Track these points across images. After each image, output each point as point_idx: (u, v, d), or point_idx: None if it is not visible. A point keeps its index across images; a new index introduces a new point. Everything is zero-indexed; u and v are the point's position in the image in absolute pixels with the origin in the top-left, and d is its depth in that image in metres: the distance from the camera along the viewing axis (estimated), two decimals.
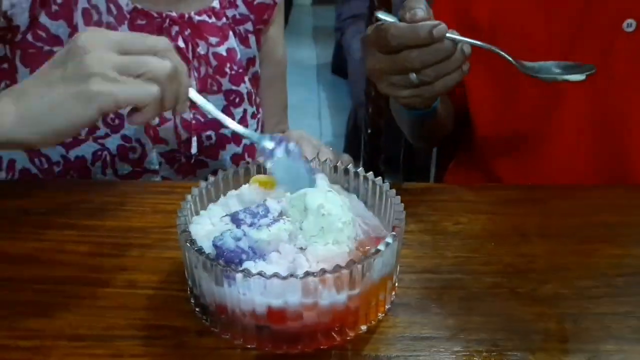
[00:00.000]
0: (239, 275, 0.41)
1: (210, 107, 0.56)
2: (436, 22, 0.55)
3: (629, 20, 0.71)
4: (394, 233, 0.46)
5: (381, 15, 0.57)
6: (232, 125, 0.56)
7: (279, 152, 0.52)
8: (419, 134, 0.87)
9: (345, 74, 2.82)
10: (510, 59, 0.60)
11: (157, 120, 0.73)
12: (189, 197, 0.50)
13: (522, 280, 0.53)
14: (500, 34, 0.76)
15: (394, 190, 0.51)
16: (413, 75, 0.57)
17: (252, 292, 0.42)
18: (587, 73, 0.59)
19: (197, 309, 0.47)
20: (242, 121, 0.81)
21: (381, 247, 0.44)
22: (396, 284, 0.50)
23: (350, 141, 2.20)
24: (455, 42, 0.56)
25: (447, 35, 0.55)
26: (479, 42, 0.58)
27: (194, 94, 0.55)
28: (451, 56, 0.56)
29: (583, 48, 0.72)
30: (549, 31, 0.74)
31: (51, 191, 0.63)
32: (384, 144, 1.13)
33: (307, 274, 0.41)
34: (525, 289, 0.52)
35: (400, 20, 0.56)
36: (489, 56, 0.77)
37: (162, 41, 0.52)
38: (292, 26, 4.29)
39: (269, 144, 0.53)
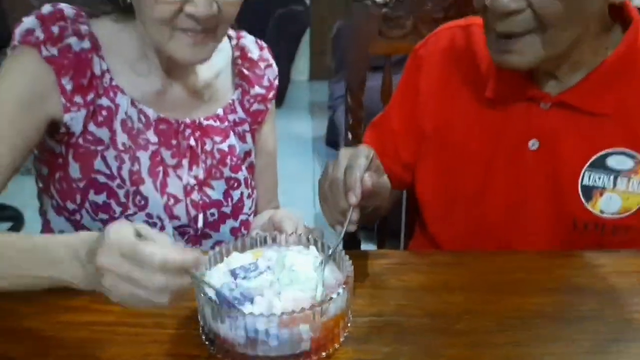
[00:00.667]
0: (229, 317, 0.61)
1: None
2: (353, 193, 0.72)
3: (533, 140, 0.91)
4: (344, 286, 0.66)
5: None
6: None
7: None
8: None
9: (338, 146, 3.07)
10: None
11: None
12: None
13: (442, 320, 0.72)
14: (441, 143, 0.99)
15: (347, 256, 0.71)
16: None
17: (239, 328, 0.62)
18: None
19: (206, 342, 0.67)
20: (239, 201, 1.00)
21: (334, 295, 0.64)
22: (349, 324, 0.70)
23: None
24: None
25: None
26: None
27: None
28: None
29: (501, 159, 0.93)
30: (477, 145, 0.95)
31: None
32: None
33: (274, 314, 0.61)
34: (443, 327, 0.71)
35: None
36: (436, 152, 1.00)
37: (154, 281, 0.58)
38: (289, 101, 4.58)
39: None
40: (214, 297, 0.64)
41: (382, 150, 1.05)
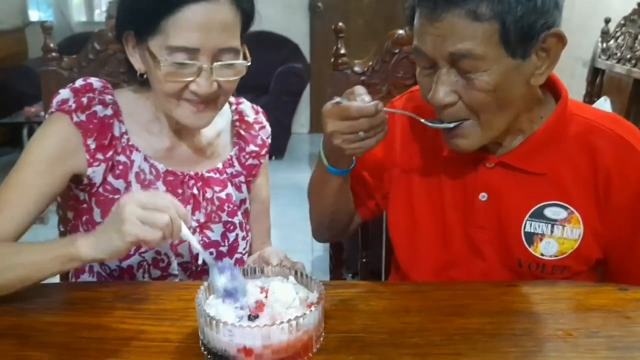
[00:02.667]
0: (222, 325, 0.77)
1: (193, 241, 0.90)
2: (377, 101, 0.93)
3: (483, 193, 1.07)
4: (315, 306, 0.82)
5: (340, 99, 0.96)
6: (201, 252, 0.90)
7: (221, 276, 0.87)
8: (321, 195, 1.18)
9: None
10: (422, 120, 1.03)
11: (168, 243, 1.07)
12: (201, 288, 0.86)
13: (400, 336, 0.87)
14: (408, 193, 1.15)
15: (320, 283, 0.87)
16: (361, 133, 0.95)
17: (233, 336, 0.77)
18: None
19: (205, 352, 0.82)
20: (235, 242, 1.17)
21: (307, 312, 0.80)
22: (321, 338, 0.85)
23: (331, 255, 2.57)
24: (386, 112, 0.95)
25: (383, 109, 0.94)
26: (402, 112, 1.01)
27: (184, 232, 0.88)
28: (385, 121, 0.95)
29: (458, 208, 1.09)
30: (437, 195, 1.12)
31: (116, 287, 1.01)
32: (345, 259, 1.52)
33: (265, 324, 0.77)
34: (400, 341, 0.86)
35: (348, 100, 0.94)
36: (403, 201, 1.16)
37: (163, 201, 0.85)
38: (290, 152, 4.81)
39: (217, 272, 0.87)
40: (211, 313, 0.80)
41: (355, 176, 1.21)
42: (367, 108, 0.94)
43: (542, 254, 1.05)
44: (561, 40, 0.94)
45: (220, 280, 0.87)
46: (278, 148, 4.61)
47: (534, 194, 1.06)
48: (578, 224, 1.04)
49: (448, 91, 0.95)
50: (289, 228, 3.48)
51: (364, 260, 1.51)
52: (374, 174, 1.21)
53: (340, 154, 1.03)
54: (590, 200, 1.04)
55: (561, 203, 1.04)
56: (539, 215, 1.05)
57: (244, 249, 1.21)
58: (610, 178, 1.02)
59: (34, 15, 5.18)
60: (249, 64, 1.04)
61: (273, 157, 4.41)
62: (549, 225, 1.05)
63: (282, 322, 0.78)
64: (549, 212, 1.05)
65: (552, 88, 1.07)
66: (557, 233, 1.04)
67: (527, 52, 0.93)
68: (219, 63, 0.99)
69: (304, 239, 3.34)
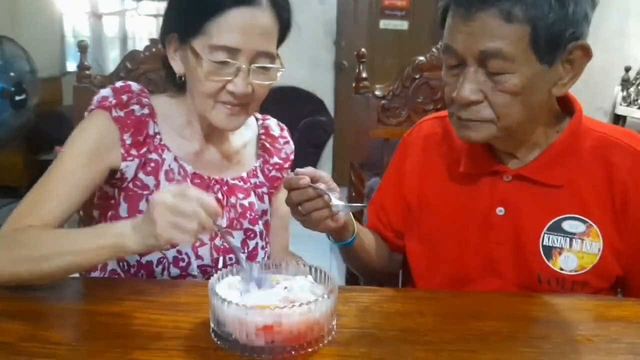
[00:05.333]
0: (234, 305, 0.77)
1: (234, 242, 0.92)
2: (300, 177, 0.94)
3: (500, 208, 1.07)
4: (327, 294, 0.81)
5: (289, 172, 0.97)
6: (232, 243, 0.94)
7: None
8: (348, 260, 1.24)
9: None
10: None
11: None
12: (215, 275, 0.87)
13: (413, 334, 0.86)
14: (424, 213, 1.16)
15: (334, 275, 0.87)
16: (299, 208, 0.96)
17: (245, 316, 0.77)
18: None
19: (215, 338, 0.82)
20: (254, 250, 1.18)
21: (319, 299, 0.80)
22: (333, 331, 0.84)
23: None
24: (317, 191, 0.95)
25: (311, 185, 0.94)
26: (326, 193, 0.96)
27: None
28: (314, 199, 0.95)
29: (474, 224, 1.09)
30: (454, 212, 1.12)
31: (133, 283, 1.02)
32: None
33: (276, 306, 0.77)
34: (413, 338, 0.85)
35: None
36: (419, 221, 1.17)
37: (191, 207, 0.84)
38: None
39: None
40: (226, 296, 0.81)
41: (379, 220, 1.24)
42: (293, 180, 0.96)
43: (561, 268, 1.03)
44: (587, 53, 0.95)
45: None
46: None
47: (551, 207, 1.05)
48: (597, 237, 1.02)
49: (474, 89, 0.96)
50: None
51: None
52: (390, 209, 1.24)
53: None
54: (608, 214, 1.03)
55: (579, 216, 1.03)
56: (557, 229, 1.04)
57: (263, 258, 1.21)
58: (627, 192, 1.01)
59: (71, 66, 5.42)
60: (284, 69, 1.09)
61: None
62: (568, 239, 1.03)
63: (293, 305, 0.77)
64: (567, 225, 1.04)
65: (567, 104, 1.08)
66: (576, 247, 1.03)
67: (553, 59, 0.94)
68: (256, 65, 1.04)
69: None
